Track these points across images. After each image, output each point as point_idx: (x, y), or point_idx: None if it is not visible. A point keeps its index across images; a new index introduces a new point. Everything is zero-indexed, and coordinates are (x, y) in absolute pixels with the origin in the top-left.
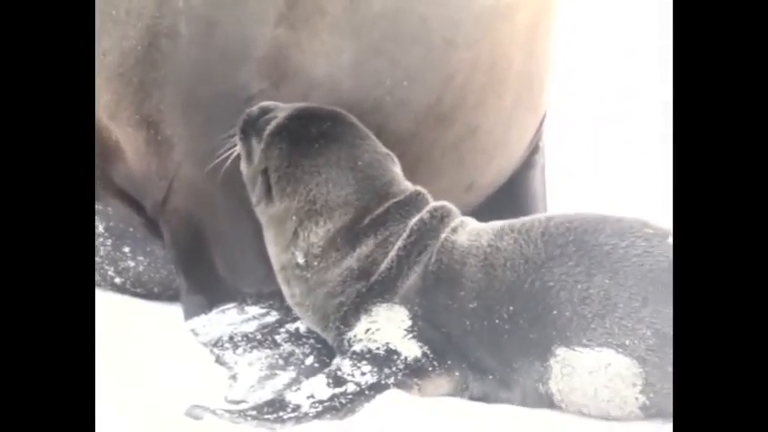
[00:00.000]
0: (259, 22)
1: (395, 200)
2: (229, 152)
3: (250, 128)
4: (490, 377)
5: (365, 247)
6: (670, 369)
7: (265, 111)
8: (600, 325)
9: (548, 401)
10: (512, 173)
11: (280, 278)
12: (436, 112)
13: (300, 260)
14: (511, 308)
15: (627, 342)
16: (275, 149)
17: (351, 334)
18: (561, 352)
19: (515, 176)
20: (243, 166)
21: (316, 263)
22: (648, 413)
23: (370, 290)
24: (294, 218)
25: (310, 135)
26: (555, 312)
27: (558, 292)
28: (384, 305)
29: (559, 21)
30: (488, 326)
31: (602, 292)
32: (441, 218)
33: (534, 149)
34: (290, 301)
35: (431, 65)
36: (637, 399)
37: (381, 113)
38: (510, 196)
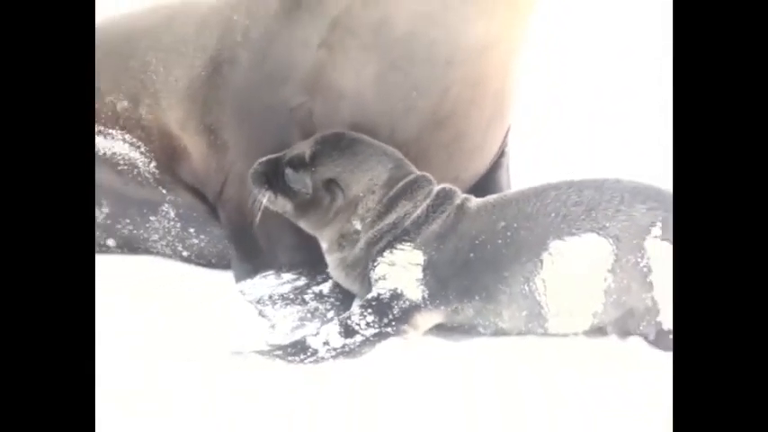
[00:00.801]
0: (304, 47)
1: (418, 173)
2: (260, 206)
3: (272, 176)
4: (477, 298)
5: (403, 203)
6: (635, 242)
7: (274, 162)
8: (588, 216)
9: (530, 299)
10: (485, 170)
11: (335, 247)
12: (435, 119)
13: (358, 226)
14: (515, 225)
15: (607, 224)
16: (329, 163)
17: (374, 275)
18: (554, 244)
19: (488, 174)
20: (283, 203)
21: (368, 221)
22: (608, 300)
23: (402, 233)
24: (361, 194)
25: (343, 144)
26: (553, 215)
27: (555, 203)
28: (407, 245)
29: (529, 52)
30: (491, 248)
31: (589, 197)
32: (455, 190)
33: (502, 153)
34: (338, 267)
35: (433, 79)
36: (605, 279)
37: (394, 118)
38: (483, 189)
